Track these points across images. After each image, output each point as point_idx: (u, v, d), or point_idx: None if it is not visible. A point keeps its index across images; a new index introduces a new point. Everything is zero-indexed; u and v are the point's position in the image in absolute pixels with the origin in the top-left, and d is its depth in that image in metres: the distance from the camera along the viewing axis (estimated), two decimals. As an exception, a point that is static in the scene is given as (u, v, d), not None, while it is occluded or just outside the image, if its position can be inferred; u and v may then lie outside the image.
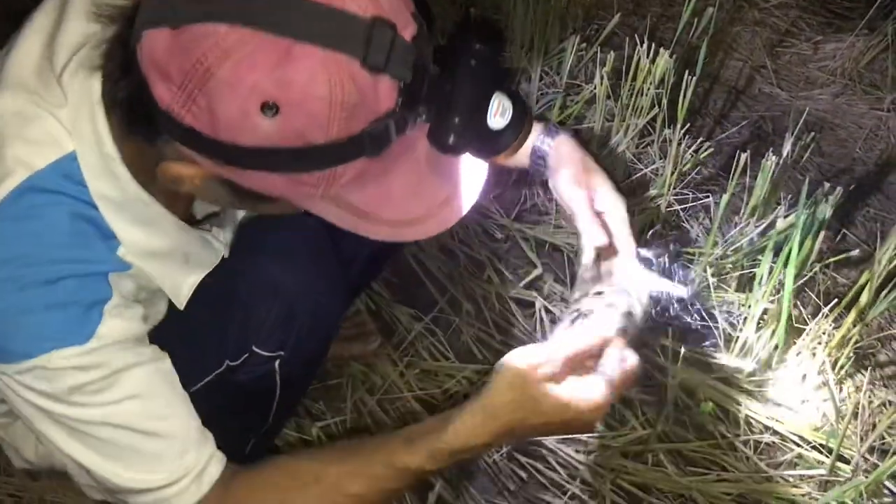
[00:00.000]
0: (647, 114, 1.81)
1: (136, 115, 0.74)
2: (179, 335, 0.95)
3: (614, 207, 1.09)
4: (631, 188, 1.86)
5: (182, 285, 0.94)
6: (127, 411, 0.87)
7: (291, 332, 1.05)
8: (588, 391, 0.93)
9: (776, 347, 1.57)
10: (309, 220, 0.95)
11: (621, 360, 0.95)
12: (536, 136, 1.13)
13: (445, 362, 1.55)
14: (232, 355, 1.05)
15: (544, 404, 0.92)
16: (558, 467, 1.42)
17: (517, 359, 0.95)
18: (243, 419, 1.15)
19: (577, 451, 1.43)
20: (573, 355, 0.94)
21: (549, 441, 1.43)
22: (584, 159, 1.12)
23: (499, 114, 0.74)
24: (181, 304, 0.95)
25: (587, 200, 1.08)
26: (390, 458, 0.94)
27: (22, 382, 0.84)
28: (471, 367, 1.53)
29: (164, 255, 0.91)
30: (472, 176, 0.82)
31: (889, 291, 1.54)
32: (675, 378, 1.51)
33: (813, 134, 1.82)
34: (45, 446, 0.95)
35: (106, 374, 0.85)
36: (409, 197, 0.79)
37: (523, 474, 1.42)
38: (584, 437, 1.44)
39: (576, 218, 1.09)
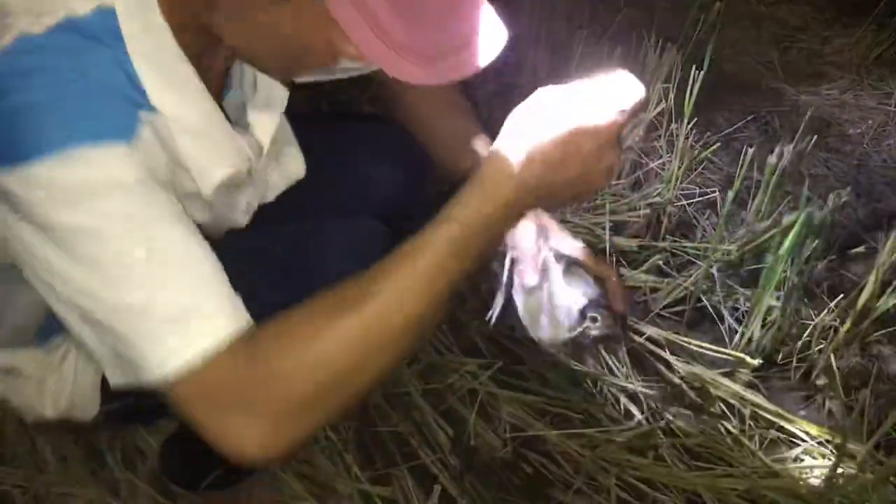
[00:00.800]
0: (655, 108, 1.81)
1: None
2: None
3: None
4: (637, 182, 1.86)
5: (209, 173, 0.91)
6: (172, 224, 0.80)
7: None
8: (597, 112, 0.86)
9: (782, 342, 1.57)
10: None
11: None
12: None
13: (451, 356, 1.55)
14: None
15: (556, 126, 0.85)
16: (563, 462, 1.42)
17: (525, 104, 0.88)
18: None
19: (581, 446, 1.43)
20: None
21: (555, 436, 1.43)
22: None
23: None
24: (207, 191, 0.91)
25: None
26: (419, 235, 0.84)
27: (58, 184, 0.75)
28: (476, 361, 1.53)
29: (193, 132, 0.88)
30: (492, 32, 0.81)
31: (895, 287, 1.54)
32: (681, 373, 1.51)
33: (820, 129, 1.82)
34: (64, 313, 0.83)
35: (149, 183, 0.79)
36: (440, 21, 0.78)
37: (528, 469, 1.42)
38: (587, 431, 1.44)
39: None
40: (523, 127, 0.86)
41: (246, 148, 0.96)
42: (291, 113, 1.09)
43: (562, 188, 0.87)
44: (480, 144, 1.16)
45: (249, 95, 1.03)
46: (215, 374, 0.78)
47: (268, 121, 1.03)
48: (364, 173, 1.24)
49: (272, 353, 0.79)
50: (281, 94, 1.04)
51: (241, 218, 1.06)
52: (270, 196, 1.13)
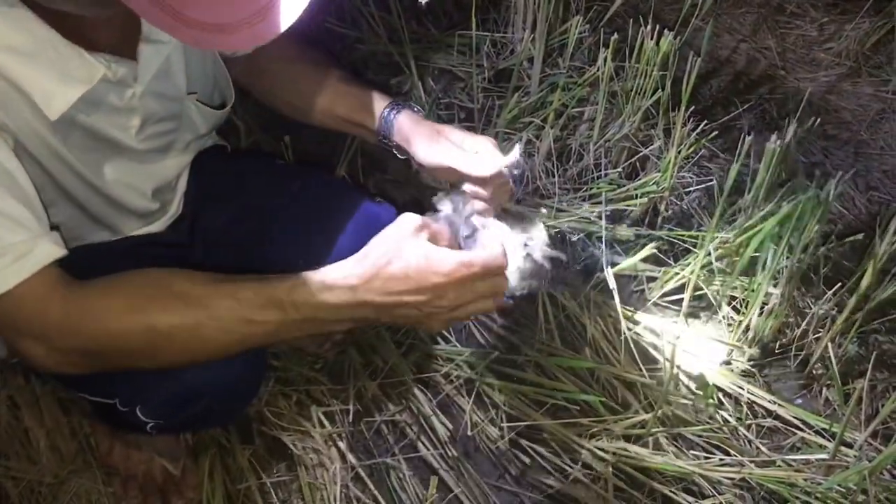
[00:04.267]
0: (651, 96, 1.80)
1: None
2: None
3: (483, 145, 1.12)
4: (634, 170, 1.85)
5: (54, 95, 0.93)
6: None
7: (183, 412, 1.08)
8: (446, 254, 0.96)
9: (779, 331, 1.56)
10: None
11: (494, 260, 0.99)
12: (383, 109, 1.19)
13: (447, 346, 1.54)
14: (122, 403, 1.08)
15: (407, 248, 0.96)
16: (560, 451, 1.42)
17: (407, 218, 0.99)
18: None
19: (578, 436, 1.42)
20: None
21: (551, 426, 1.43)
22: (430, 123, 1.16)
23: None
24: (53, 114, 0.94)
25: (452, 148, 1.11)
26: (260, 285, 0.95)
27: None
28: (472, 350, 1.52)
29: (28, 55, 0.90)
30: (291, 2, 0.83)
31: (893, 275, 1.53)
32: (678, 361, 1.51)
33: (817, 116, 1.81)
34: None
35: None
36: None
37: (525, 459, 1.42)
38: (584, 421, 1.44)
39: (456, 164, 1.10)
40: (383, 249, 0.96)
41: (97, 65, 0.96)
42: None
43: (395, 313, 0.98)
44: (367, 101, 1.22)
45: (145, 30, 1.04)
46: (19, 305, 0.88)
47: (151, 52, 1.04)
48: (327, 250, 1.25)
49: (90, 305, 0.91)
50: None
51: (139, 142, 1.09)
52: (193, 130, 1.19)
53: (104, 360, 0.94)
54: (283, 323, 0.95)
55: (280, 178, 1.33)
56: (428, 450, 1.41)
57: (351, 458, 1.39)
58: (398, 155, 1.21)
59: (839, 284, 1.56)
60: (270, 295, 0.94)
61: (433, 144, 1.12)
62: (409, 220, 0.99)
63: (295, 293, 0.94)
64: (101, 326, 0.91)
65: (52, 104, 0.93)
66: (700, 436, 1.45)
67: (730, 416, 1.48)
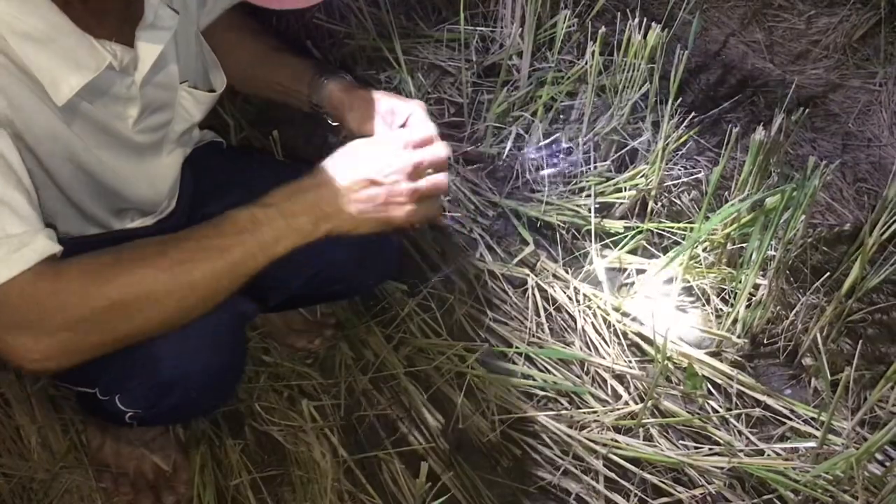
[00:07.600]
0: (639, 89, 1.80)
1: None
2: None
3: (415, 111, 1.13)
4: (622, 164, 1.86)
5: (61, 81, 0.93)
6: None
7: (161, 402, 1.07)
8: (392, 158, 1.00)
9: (767, 322, 1.57)
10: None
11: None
12: (312, 77, 1.21)
13: (437, 339, 1.55)
14: (102, 392, 1.07)
15: (360, 147, 1.02)
16: (551, 443, 1.42)
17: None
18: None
19: (569, 427, 1.43)
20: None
21: (542, 418, 1.44)
22: (360, 92, 1.18)
23: None
24: (61, 100, 0.94)
25: (382, 124, 1.14)
26: (226, 220, 0.96)
27: None
28: (463, 344, 1.53)
29: (39, 41, 0.90)
30: None
31: (880, 265, 1.54)
32: (668, 353, 1.52)
33: (805, 109, 1.82)
34: None
35: None
36: None
37: (517, 451, 1.42)
38: (575, 412, 1.45)
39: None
40: (333, 167, 1.00)
41: (104, 53, 0.96)
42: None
43: (358, 220, 1.00)
44: (310, 72, 1.23)
45: (149, 17, 1.03)
46: (10, 296, 0.85)
47: (151, 39, 1.03)
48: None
49: (74, 286, 0.88)
50: (168, 15, 1.06)
51: (136, 134, 1.08)
52: (186, 119, 1.17)
53: (92, 332, 0.91)
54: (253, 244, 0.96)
55: (278, 170, 1.32)
56: (419, 443, 1.42)
57: (342, 451, 1.39)
58: (329, 122, 1.23)
59: (827, 275, 1.57)
60: (236, 226, 0.96)
61: (366, 122, 1.14)
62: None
63: (255, 211, 0.97)
64: (85, 291, 0.89)
65: (60, 90, 0.93)
66: (690, 426, 1.46)
67: (719, 406, 1.49)
